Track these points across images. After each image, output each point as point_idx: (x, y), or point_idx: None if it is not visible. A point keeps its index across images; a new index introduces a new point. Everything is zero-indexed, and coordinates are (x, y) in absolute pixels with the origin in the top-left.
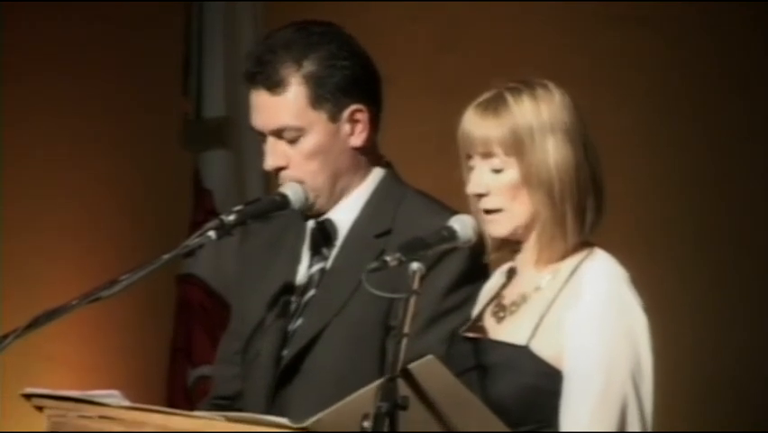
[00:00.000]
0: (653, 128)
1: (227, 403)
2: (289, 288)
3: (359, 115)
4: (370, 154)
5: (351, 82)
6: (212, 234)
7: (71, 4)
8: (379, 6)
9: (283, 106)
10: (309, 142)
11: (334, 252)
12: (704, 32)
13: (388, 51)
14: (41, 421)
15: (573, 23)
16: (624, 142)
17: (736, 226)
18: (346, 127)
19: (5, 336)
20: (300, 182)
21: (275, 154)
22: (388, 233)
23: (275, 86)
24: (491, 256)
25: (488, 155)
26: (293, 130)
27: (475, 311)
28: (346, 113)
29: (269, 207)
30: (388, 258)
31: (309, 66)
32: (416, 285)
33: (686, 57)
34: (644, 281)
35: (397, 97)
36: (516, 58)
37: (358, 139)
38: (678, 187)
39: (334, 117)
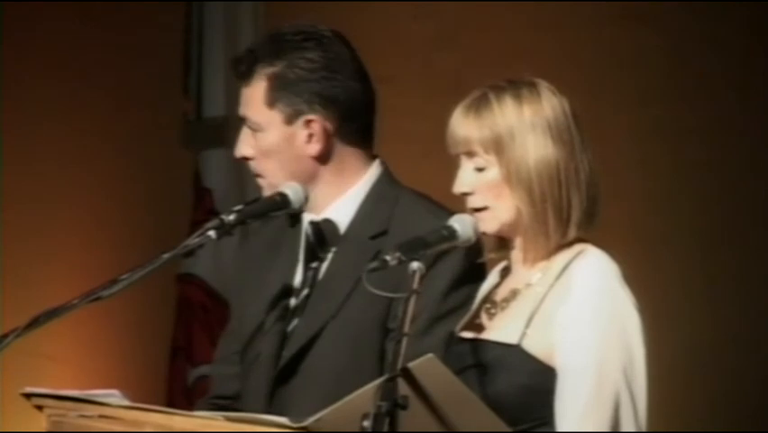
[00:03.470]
0: (653, 127)
1: (226, 403)
2: (288, 289)
3: (312, 126)
4: (337, 163)
5: (313, 93)
6: (212, 233)
7: (71, 3)
8: (379, 6)
9: (248, 98)
10: (264, 139)
11: (331, 252)
12: (704, 32)
13: (387, 51)
14: (41, 421)
15: (573, 23)
16: (624, 141)
17: (737, 226)
18: (302, 134)
19: (5, 336)
20: (259, 176)
21: (243, 143)
22: (383, 234)
23: (242, 76)
24: (491, 256)
25: (470, 154)
26: (253, 123)
27: (472, 310)
28: (301, 120)
29: (268, 207)
30: (388, 258)
31: (278, 66)
32: (416, 285)
33: (686, 56)
34: (642, 279)
35: (396, 96)
36: (516, 57)
37: (312, 148)
38: (677, 187)
39: (290, 120)
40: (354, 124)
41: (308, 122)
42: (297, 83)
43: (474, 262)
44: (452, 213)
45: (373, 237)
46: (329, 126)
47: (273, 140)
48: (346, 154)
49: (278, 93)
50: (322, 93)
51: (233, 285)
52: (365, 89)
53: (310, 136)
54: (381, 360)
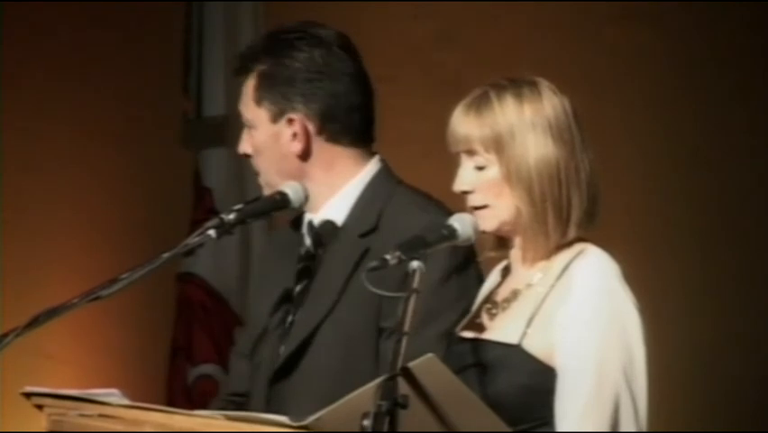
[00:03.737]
0: (653, 127)
1: (241, 400)
2: (290, 290)
3: (295, 125)
4: (325, 162)
5: (296, 92)
6: (212, 232)
7: (71, 3)
8: (379, 6)
9: (243, 95)
10: (255, 137)
11: (324, 252)
12: (704, 32)
13: (387, 51)
14: (41, 420)
15: (573, 22)
16: (624, 141)
17: (737, 226)
18: (287, 132)
19: (5, 335)
20: (258, 174)
21: (243, 140)
22: (373, 231)
23: (236, 72)
24: (491, 254)
25: (471, 153)
26: (246, 120)
27: (472, 310)
28: (284, 118)
29: (268, 206)
30: (388, 257)
31: (267, 64)
32: (416, 284)
33: (686, 56)
34: (642, 279)
35: (396, 96)
36: (516, 57)
37: (295, 147)
38: (677, 186)
39: (275, 119)
40: (339, 125)
41: (290, 120)
42: (283, 82)
43: (461, 255)
44: (446, 209)
45: (363, 235)
46: (311, 126)
47: (262, 137)
48: (336, 153)
49: (265, 91)
50: (305, 93)
51: (254, 286)
52: (354, 90)
53: (294, 135)
54: (376, 357)
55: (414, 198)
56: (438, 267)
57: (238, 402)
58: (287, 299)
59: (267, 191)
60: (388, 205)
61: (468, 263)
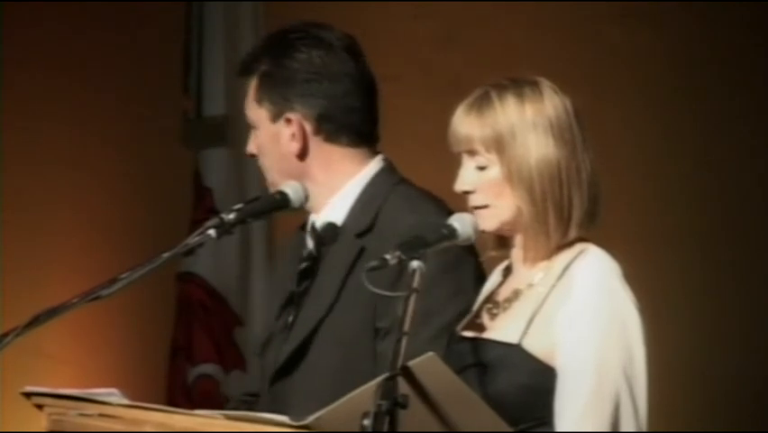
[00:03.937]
0: (653, 127)
1: (254, 400)
2: (294, 292)
3: (292, 124)
4: (324, 162)
5: (295, 92)
6: (212, 232)
7: (71, 3)
8: (379, 6)
9: (247, 95)
10: (258, 136)
11: (325, 252)
12: (704, 32)
13: (388, 51)
14: (41, 420)
15: (573, 22)
16: (624, 141)
17: (737, 226)
18: (286, 132)
19: (5, 335)
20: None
21: (250, 141)
22: (369, 231)
23: (239, 73)
24: (492, 254)
25: (472, 153)
26: (249, 120)
27: (473, 310)
28: (283, 118)
29: (268, 206)
30: (388, 256)
31: (267, 64)
32: (416, 283)
33: (686, 56)
34: (642, 279)
35: (397, 96)
36: (516, 57)
37: (293, 147)
38: (677, 187)
39: (274, 119)
40: (337, 125)
41: (288, 120)
42: (282, 82)
43: (455, 253)
44: (446, 208)
45: (359, 235)
46: (308, 126)
47: (263, 138)
48: (335, 153)
49: (265, 91)
50: (303, 93)
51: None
52: (354, 91)
53: (292, 135)
54: (374, 359)
55: (411, 198)
56: (431, 266)
57: (251, 402)
58: (291, 300)
59: (271, 191)
60: (386, 204)
61: (462, 262)
